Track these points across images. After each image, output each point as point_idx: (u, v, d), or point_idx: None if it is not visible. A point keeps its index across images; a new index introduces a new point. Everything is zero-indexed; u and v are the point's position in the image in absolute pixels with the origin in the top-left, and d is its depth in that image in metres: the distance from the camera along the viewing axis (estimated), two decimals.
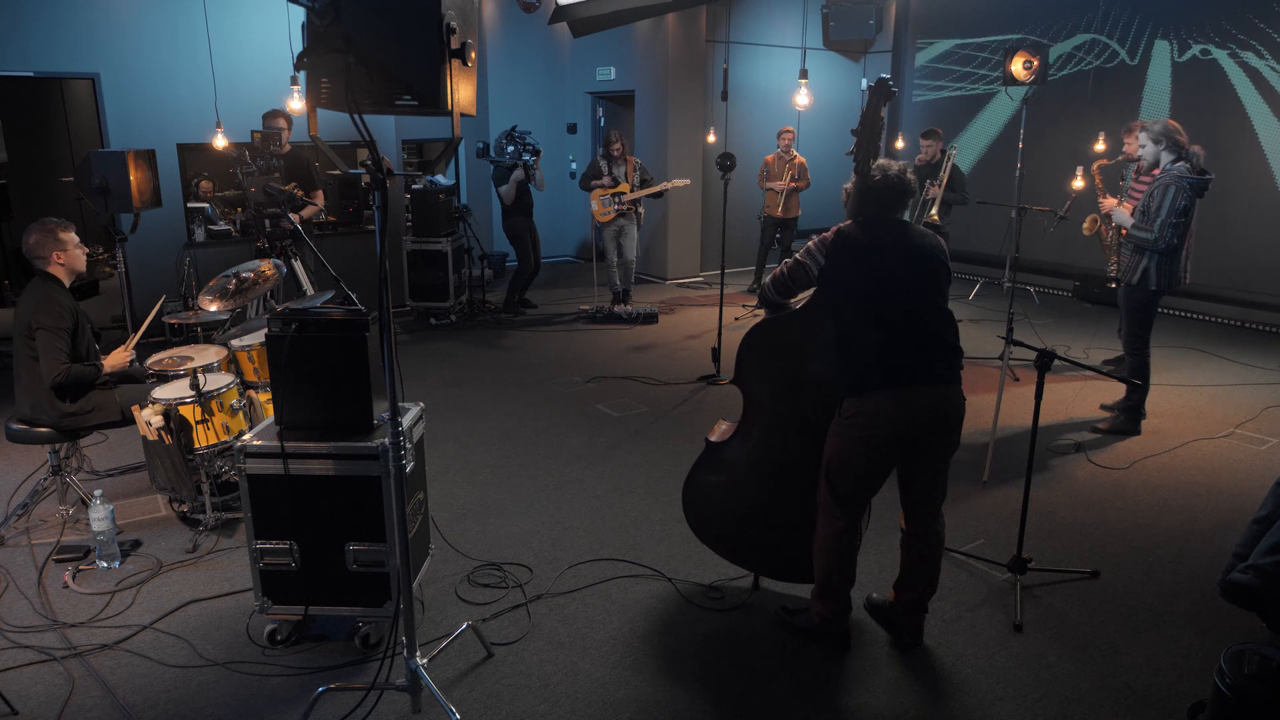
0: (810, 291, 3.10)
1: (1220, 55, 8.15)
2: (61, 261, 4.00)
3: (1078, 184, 6.78)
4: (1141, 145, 5.08)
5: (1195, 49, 8.32)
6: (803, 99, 7.53)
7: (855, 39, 10.81)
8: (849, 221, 3.02)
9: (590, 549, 3.93)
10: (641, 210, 8.33)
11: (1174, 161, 4.92)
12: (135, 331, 4.33)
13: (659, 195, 8.33)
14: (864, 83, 11.17)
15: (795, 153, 8.82)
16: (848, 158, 3.08)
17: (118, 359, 4.15)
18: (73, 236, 4.05)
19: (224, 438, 3.92)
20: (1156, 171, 5.09)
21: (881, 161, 3.00)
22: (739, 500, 3.39)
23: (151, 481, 4.15)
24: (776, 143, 8.94)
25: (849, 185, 3.08)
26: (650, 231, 10.19)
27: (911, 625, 3.22)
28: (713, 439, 3.45)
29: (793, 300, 3.22)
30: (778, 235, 9.08)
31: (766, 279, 3.17)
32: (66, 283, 4.03)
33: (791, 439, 3.24)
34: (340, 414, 3.09)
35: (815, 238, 3.01)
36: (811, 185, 8.96)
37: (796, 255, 3.04)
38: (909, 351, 2.89)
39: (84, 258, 4.11)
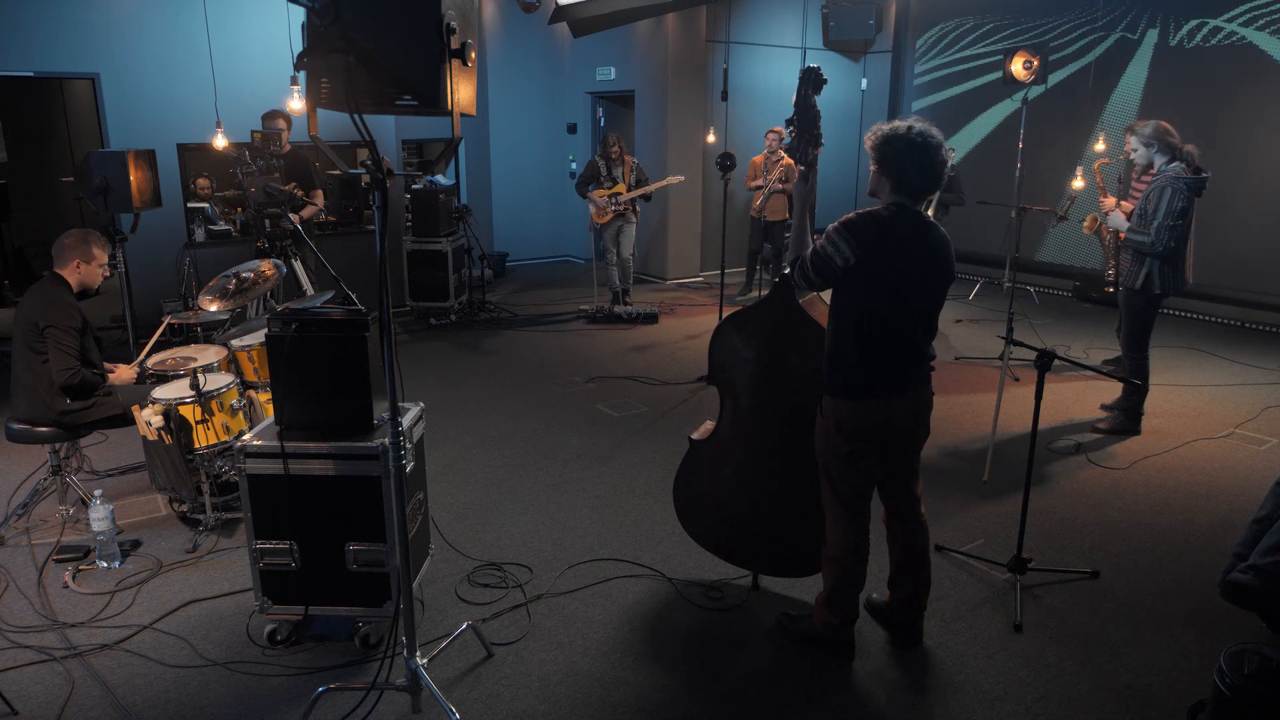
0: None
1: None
2: (79, 271, 4.04)
3: (1078, 184, 6.77)
4: (1133, 149, 5.06)
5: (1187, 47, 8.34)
6: None
7: (855, 39, 10.81)
8: (876, 208, 2.82)
9: (590, 549, 3.93)
10: (638, 208, 8.33)
11: (1168, 162, 4.88)
12: (141, 350, 4.39)
13: (648, 198, 8.30)
14: (863, 83, 11.18)
15: (782, 153, 8.59)
16: (805, 153, 3.02)
17: (125, 374, 4.20)
18: (104, 256, 4.13)
19: (224, 438, 3.92)
20: (1153, 173, 5.06)
21: (915, 123, 2.77)
22: (726, 497, 3.39)
23: (151, 481, 4.15)
24: (765, 143, 8.82)
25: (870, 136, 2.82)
26: (650, 231, 10.19)
27: (910, 624, 3.21)
28: (695, 437, 3.46)
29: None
30: (765, 240, 8.95)
31: (795, 263, 2.94)
32: (74, 290, 4.04)
33: (772, 431, 3.23)
34: (340, 414, 3.09)
35: (836, 223, 2.80)
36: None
37: (819, 242, 2.84)
38: (901, 365, 2.89)
39: (101, 278, 4.17)
